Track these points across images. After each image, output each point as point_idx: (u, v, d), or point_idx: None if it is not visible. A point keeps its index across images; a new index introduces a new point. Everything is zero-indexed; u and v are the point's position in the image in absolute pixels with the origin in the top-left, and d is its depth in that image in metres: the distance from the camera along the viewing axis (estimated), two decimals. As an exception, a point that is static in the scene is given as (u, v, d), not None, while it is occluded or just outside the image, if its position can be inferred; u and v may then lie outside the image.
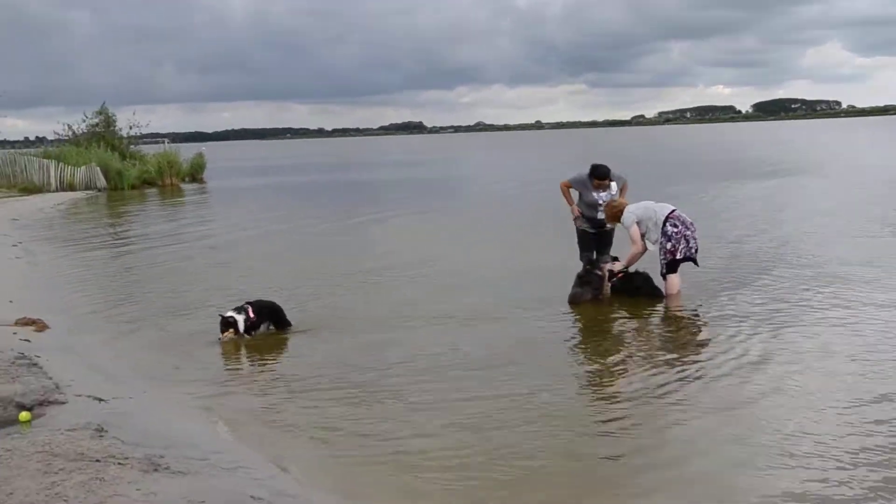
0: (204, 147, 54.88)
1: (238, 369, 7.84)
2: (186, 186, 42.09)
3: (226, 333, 8.53)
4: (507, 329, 8.13)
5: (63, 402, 6.73)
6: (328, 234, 19.09)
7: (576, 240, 9.62)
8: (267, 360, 8.02)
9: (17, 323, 9.86)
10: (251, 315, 8.63)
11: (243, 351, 8.51)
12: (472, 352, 7.42)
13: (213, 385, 7.54)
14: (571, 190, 9.46)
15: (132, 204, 32.72)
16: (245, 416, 6.28)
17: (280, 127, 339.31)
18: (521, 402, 5.89)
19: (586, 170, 9.40)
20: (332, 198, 31.70)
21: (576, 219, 9.43)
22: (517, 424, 5.42)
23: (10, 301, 11.56)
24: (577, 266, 9.46)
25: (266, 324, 8.82)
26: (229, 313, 8.59)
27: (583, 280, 9.07)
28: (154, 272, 14.56)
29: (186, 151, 46.81)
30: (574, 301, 8.85)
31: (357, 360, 7.49)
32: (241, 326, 8.58)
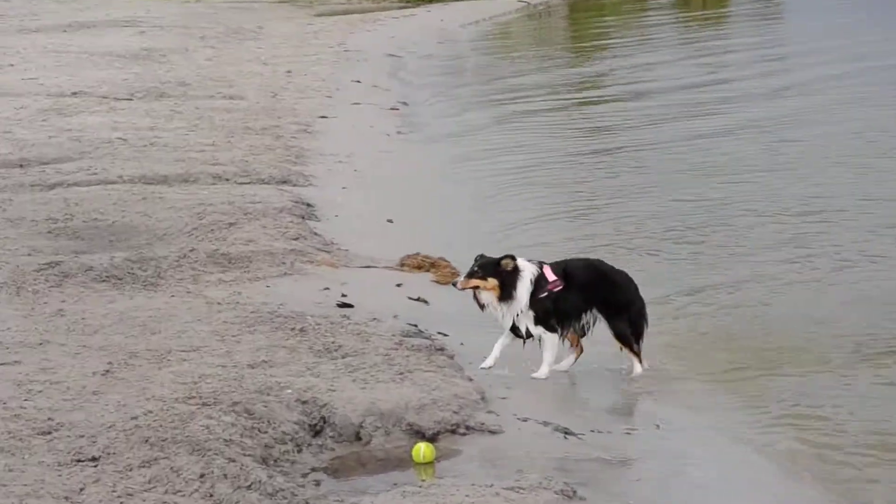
0: None
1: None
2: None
3: (472, 282, 8.95)
4: None
5: (495, 431, 7.37)
6: None
7: None
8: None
9: (402, 265, 11.24)
10: (550, 277, 8.90)
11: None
12: None
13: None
14: None
15: (619, 22, 35.35)
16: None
17: None
18: None
19: None
20: None
21: None
22: None
23: (388, 220, 13.34)
24: None
25: (590, 311, 9.24)
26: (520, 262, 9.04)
27: None
28: (656, 175, 15.57)
29: None
30: None
31: None
32: (525, 291, 8.93)
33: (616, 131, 18.80)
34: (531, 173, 16.31)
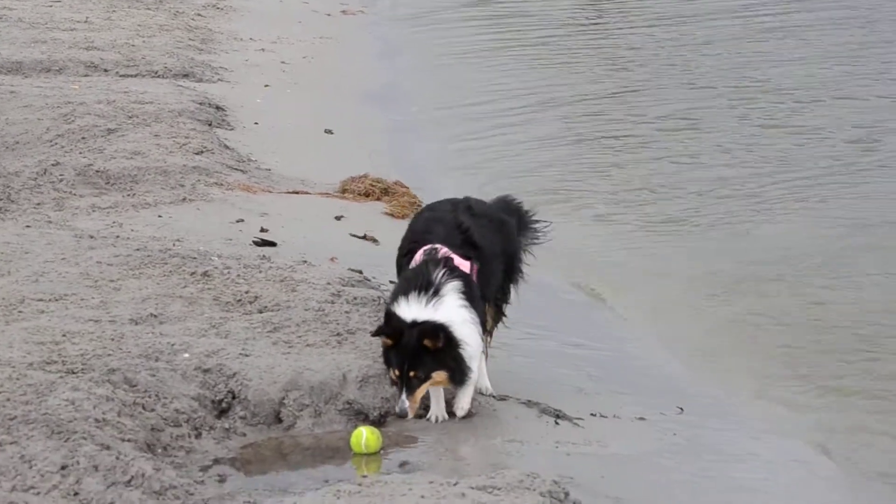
0: None
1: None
2: None
3: (420, 393, 7.73)
4: None
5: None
6: None
7: None
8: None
9: (345, 191, 11.47)
10: (464, 266, 8.04)
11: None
12: None
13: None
14: None
15: None
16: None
17: None
18: None
19: None
20: None
21: None
22: None
23: (327, 130, 13.48)
24: None
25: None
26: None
27: None
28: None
29: None
30: None
31: None
32: (475, 332, 7.87)
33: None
34: (522, 77, 16.50)
